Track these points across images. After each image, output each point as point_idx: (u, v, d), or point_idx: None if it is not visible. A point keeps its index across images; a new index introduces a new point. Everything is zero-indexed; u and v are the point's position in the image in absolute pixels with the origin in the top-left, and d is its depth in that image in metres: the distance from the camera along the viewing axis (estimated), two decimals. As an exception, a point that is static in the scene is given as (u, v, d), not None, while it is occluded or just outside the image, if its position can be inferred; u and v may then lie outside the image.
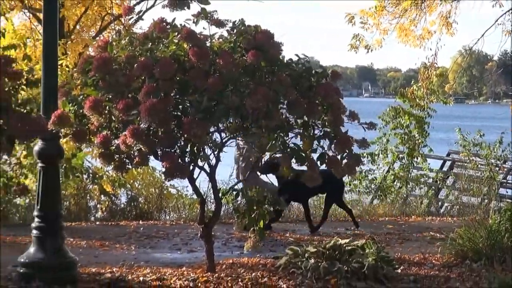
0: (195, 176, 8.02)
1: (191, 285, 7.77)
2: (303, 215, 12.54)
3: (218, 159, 7.97)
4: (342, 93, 7.85)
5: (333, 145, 7.62)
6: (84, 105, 7.21)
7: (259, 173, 11.93)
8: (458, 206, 16.65)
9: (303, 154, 7.62)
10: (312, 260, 8.32)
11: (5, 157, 10.82)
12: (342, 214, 13.96)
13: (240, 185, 10.24)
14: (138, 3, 19.93)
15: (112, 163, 7.48)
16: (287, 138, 7.71)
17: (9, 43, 8.87)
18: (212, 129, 7.62)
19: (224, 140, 7.87)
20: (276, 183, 12.10)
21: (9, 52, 8.36)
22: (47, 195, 7.72)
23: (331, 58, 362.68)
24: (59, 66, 8.39)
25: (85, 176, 14.00)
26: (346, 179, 16.11)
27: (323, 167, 7.79)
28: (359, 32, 18.40)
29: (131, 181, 14.42)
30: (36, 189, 8.03)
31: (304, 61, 7.70)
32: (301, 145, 7.67)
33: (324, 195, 12.88)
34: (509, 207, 10.51)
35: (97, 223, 13.72)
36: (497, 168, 17.69)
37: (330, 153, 7.66)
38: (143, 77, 7.25)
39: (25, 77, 7.85)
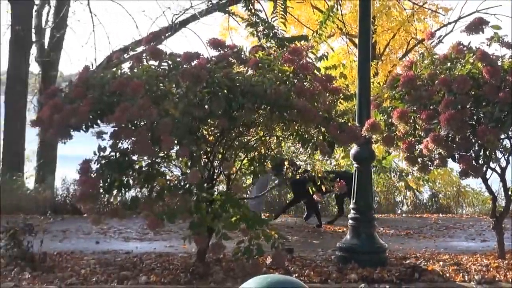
0: (487, 176, 8.12)
1: (483, 269, 7.75)
2: None
3: (508, 162, 8.06)
4: None
5: None
6: (392, 115, 7.58)
7: None
8: None
9: None
10: None
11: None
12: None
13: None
14: (438, 29, 20.10)
15: (416, 165, 7.75)
16: None
17: (330, 64, 9.49)
18: (502, 136, 7.67)
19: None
20: None
21: (330, 71, 8.86)
22: (361, 191, 8.16)
23: None
24: (371, 83, 8.78)
25: (393, 175, 14.48)
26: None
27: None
28: None
29: (433, 179, 14.66)
30: (352, 186, 8.46)
31: None
32: None
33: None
34: None
35: (403, 215, 14.15)
36: None
37: None
38: (443, 92, 7.47)
39: (343, 92, 8.12)
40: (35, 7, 15.42)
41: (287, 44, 10.20)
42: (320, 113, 7.42)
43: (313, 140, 7.77)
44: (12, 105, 14.38)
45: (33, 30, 15.17)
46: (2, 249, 7.65)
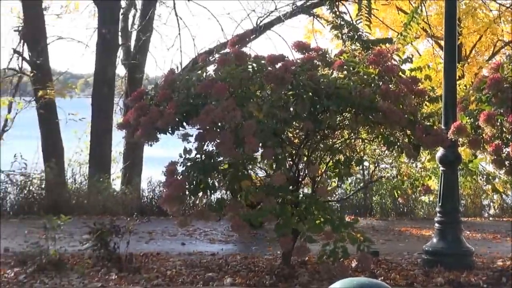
0: None
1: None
2: None
3: None
4: None
5: None
6: (478, 118, 7.48)
7: None
8: None
9: None
10: None
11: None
12: None
13: None
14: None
15: (503, 167, 7.63)
16: None
17: (415, 66, 9.41)
18: None
19: None
20: None
21: (415, 73, 8.82)
22: (447, 194, 8.10)
23: None
24: (457, 86, 8.72)
25: (479, 178, 14.25)
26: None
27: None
28: None
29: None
30: (438, 189, 8.42)
31: None
32: None
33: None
34: None
35: (490, 218, 13.94)
36: None
37: None
38: (531, 94, 7.32)
39: (428, 94, 8.04)
40: (121, 10, 15.77)
41: (371, 46, 10.19)
42: (406, 115, 7.39)
43: (398, 143, 7.72)
44: (99, 107, 14.74)
45: (119, 33, 15.51)
46: (89, 250, 7.86)
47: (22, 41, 15.09)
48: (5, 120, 14.65)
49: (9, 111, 14.73)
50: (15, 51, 15.15)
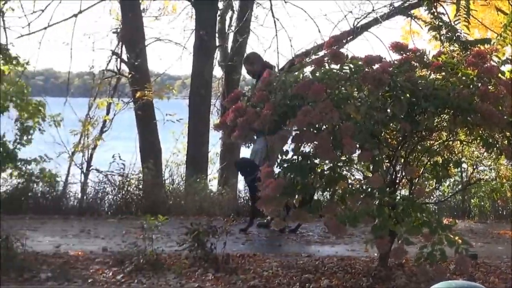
0: None
1: None
2: None
3: None
4: None
5: None
6: None
7: None
8: None
9: None
10: None
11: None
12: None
13: None
14: None
15: None
16: None
17: None
18: None
19: None
20: None
21: None
22: None
23: None
24: None
25: None
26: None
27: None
28: None
29: None
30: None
31: None
32: None
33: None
34: None
35: None
36: None
37: None
38: None
39: None
40: (218, 12, 15.96)
41: (470, 47, 10.05)
42: (505, 117, 7.28)
43: (497, 145, 7.62)
44: (196, 108, 14.96)
45: (216, 35, 15.70)
46: (186, 250, 8.03)
47: (120, 42, 15.46)
48: (104, 121, 15.02)
49: (108, 113, 15.10)
50: (113, 53, 15.54)
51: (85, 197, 12.51)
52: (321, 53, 8.83)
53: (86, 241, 9.35)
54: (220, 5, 16.22)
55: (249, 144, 7.78)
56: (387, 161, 7.60)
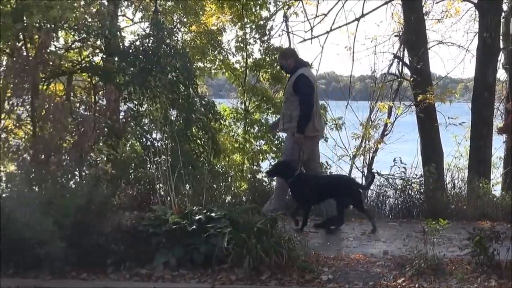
0: None
1: None
2: None
3: None
4: None
5: None
6: None
7: None
8: None
9: None
10: None
11: None
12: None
13: None
14: None
15: None
16: None
17: None
18: None
19: None
20: None
21: None
22: None
23: None
24: None
25: None
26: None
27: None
28: None
29: None
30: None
31: None
32: None
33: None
34: None
35: None
36: None
37: None
38: None
39: None
40: (502, 14, 15.51)
41: None
42: None
43: None
44: (479, 112, 14.66)
45: (500, 37, 15.28)
46: (468, 256, 7.92)
47: (402, 46, 15.58)
48: (385, 125, 15.25)
49: (389, 116, 15.31)
50: (395, 56, 15.71)
51: (366, 200, 12.75)
52: None
53: (367, 244, 9.51)
54: (505, 6, 15.74)
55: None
56: None
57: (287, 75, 11.09)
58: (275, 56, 15.68)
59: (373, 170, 14.14)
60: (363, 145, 14.61)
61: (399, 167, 13.01)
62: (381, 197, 12.58)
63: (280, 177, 10.21)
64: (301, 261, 7.77)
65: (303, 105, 9.90)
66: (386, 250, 8.94)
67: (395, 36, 15.87)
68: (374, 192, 12.80)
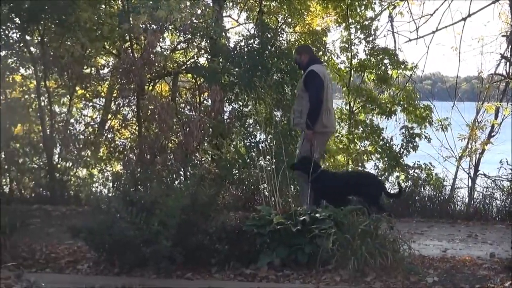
0: None
1: None
2: None
3: None
4: None
5: None
6: None
7: None
8: None
9: None
10: None
11: None
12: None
13: None
14: None
15: None
16: None
17: None
18: None
19: None
20: None
21: None
22: None
23: None
24: None
25: None
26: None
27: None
28: None
29: None
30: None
31: None
32: None
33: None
34: None
35: None
36: None
37: None
38: None
39: None
40: None
41: None
42: None
43: None
44: None
45: None
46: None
47: (510, 46, 15.20)
48: (492, 126, 14.94)
49: (496, 117, 14.99)
50: (502, 56, 15.34)
51: (472, 202, 12.55)
52: None
53: (473, 246, 9.38)
54: None
55: None
56: None
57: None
58: (381, 56, 15.63)
59: (478, 172, 13.88)
60: (469, 147, 14.35)
61: (505, 169, 12.76)
62: (488, 199, 12.37)
63: (303, 173, 10.06)
64: (406, 263, 7.70)
65: (311, 101, 9.84)
66: (493, 253, 8.78)
67: (502, 36, 15.48)
68: (481, 194, 12.60)
